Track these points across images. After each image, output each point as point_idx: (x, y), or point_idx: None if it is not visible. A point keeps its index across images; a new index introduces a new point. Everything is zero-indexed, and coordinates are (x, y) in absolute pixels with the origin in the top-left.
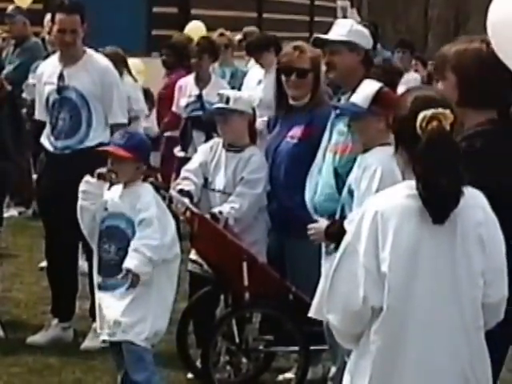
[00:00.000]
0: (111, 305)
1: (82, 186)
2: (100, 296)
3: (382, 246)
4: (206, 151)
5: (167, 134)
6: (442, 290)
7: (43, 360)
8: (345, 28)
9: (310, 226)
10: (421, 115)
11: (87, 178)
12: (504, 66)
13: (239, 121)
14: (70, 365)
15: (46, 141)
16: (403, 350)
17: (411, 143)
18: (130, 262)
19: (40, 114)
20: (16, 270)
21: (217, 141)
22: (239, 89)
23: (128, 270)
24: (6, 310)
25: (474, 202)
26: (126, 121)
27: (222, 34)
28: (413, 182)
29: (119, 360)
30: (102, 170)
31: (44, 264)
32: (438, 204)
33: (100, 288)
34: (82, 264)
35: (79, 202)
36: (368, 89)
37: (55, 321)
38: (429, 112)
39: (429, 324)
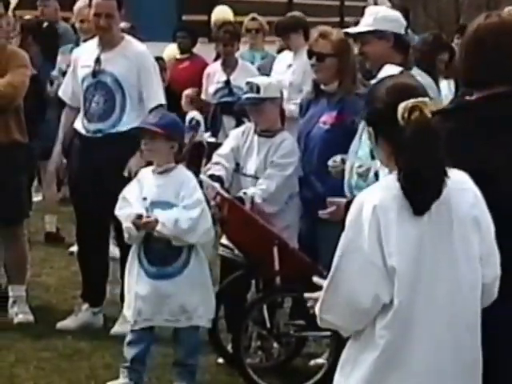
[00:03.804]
0: (173, 292)
1: (127, 233)
2: (154, 284)
3: (387, 239)
4: (237, 136)
5: None
6: (444, 278)
7: (73, 345)
8: (370, 17)
9: (330, 199)
10: (401, 106)
11: (125, 225)
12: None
13: (271, 108)
14: (100, 350)
15: (78, 124)
16: (410, 341)
17: (392, 135)
18: (164, 216)
19: (65, 93)
20: (45, 255)
21: (249, 126)
22: (269, 73)
23: (156, 221)
24: (36, 295)
25: (463, 184)
26: (164, 101)
27: (254, 19)
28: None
29: (145, 341)
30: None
31: (73, 249)
32: (419, 195)
33: (155, 277)
34: (113, 249)
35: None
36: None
37: (85, 306)
38: (409, 102)
39: (433, 314)
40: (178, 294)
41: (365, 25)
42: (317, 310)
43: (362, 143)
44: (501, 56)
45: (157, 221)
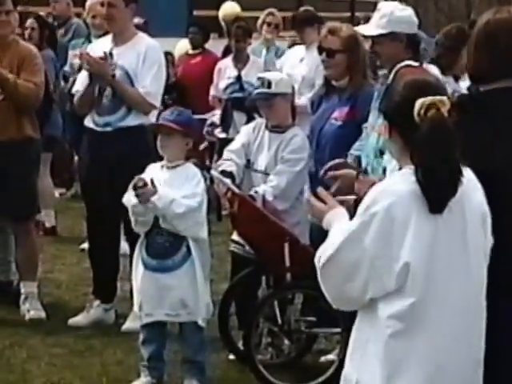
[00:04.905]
0: (173, 286)
1: (132, 211)
2: (154, 277)
3: (401, 236)
4: (248, 132)
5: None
6: (457, 274)
7: (85, 341)
8: (384, 18)
9: (339, 198)
10: (418, 103)
11: (130, 203)
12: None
13: (282, 103)
14: (112, 346)
15: (89, 120)
16: (421, 335)
17: (407, 130)
18: (163, 191)
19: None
20: (57, 252)
21: (260, 121)
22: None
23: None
24: (48, 292)
25: (473, 181)
26: (155, 103)
27: (273, 14)
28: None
29: (157, 338)
30: (139, 182)
31: (85, 245)
32: (437, 193)
33: (154, 270)
34: (123, 245)
35: (134, 219)
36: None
37: (97, 302)
38: (427, 99)
39: (445, 310)
40: (178, 288)
41: (378, 26)
42: (319, 275)
43: (370, 142)
44: (511, 52)
45: (156, 191)
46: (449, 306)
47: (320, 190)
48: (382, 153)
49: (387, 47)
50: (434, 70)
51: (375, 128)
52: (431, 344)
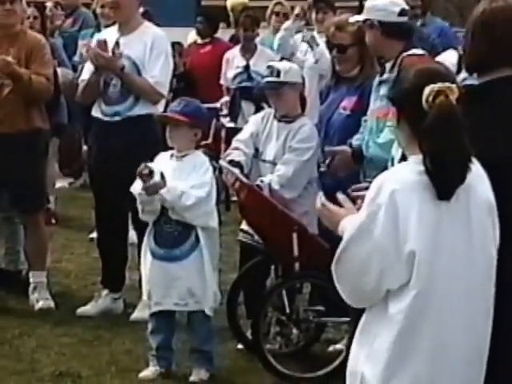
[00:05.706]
0: (181, 275)
1: (139, 199)
2: (162, 266)
3: (405, 224)
4: (257, 121)
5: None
6: (461, 263)
7: (93, 331)
8: (365, 8)
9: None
10: (427, 89)
11: (137, 191)
12: None
13: (291, 92)
14: (120, 335)
15: (96, 109)
16: (426, 326)
17: (415, 117)
18: (173, 184)
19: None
20: (66, 241)
21: (268, 111)
22: (289, 58)
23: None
24: (57, 281)
25: (480, 172)
26: (164, 92)
27: (281, 3)
28: (421, 157)
29: (166, 327)
30: (144, 170)
31: (94, 235)
32: (445, 180)
33: (162, 259)
34: (132, 234)
35: (141, 208)
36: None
37: (105, 291)
38: (435, 86)
39: (450, 299)
40: (186, 278)
41: (360, 15)
42: (334, 274)
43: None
44: (507, 41)
45: (165, 184)
46: (451, 296)
47: (339, 194)
48: (381, 131)
49: (368, 35)
50: (452, 56)
51: (374, 113)
52: (435, 338)
